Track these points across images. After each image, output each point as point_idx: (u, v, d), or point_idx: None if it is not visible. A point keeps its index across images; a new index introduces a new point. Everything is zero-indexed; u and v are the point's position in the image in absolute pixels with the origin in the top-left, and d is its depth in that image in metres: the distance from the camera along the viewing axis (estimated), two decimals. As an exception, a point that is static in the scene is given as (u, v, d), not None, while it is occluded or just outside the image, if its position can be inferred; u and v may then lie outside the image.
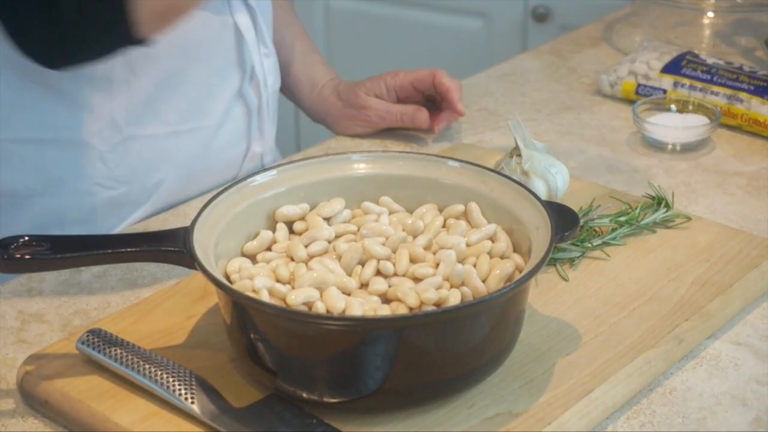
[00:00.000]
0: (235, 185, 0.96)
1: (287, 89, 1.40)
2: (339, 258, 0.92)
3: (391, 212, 0.98)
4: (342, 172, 1.00)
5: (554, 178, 1.11)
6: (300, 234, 0.95)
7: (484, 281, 0.89)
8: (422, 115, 1.33)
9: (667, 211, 1.12)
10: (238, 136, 1.26)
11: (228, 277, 0.90)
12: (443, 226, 0.96)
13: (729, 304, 1.00)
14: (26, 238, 0.88)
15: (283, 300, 0.86)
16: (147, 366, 0.88)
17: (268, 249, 0.95)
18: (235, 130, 1.25)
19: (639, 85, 1.44)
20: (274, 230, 0.96)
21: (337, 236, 0.95)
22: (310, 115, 1.41)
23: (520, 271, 0.90)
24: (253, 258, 0.94)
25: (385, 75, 1.35)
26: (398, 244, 0.92)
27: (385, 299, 0.88)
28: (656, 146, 1.34)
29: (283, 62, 1.36)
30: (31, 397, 0.91)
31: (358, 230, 0.95)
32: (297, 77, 1.40)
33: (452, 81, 1.33)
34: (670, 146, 1.33)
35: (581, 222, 1.07)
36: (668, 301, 0.99)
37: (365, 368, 0.84)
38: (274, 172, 0.98)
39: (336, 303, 0.85)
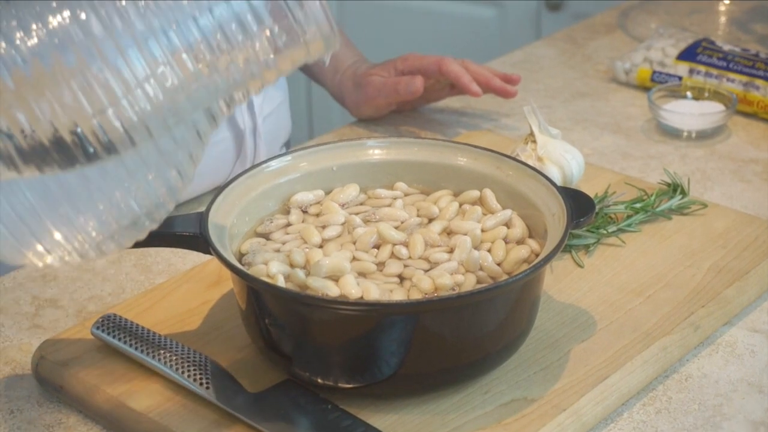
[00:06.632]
0: (250, 171, 0.95)
1: (312, 74, 1.40)
2: (354, 242, 0.91)
3: (406, 195, 0.98)
4: (357, 158, 0.99)
5: (569, 164, 1.11)
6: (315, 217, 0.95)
7: (499, 266, 0.89)
8: (415, 81, 1.29)
9: (682, 197, 1.11)
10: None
11: (241, 258, 0.90)
12: (458, 212, 0.96)
13: (745, 291, 1.00)
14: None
15: (299, 285, 0.85)
16: (162, 351, 0.88)
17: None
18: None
19: (654, 72, 1.43)
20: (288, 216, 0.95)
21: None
22: (333, 97, 1.41)
23: (536, 257, 0.89)
24: (266, 236, 0.93)
25: (396, 60, 1.33)
26: (413, 229, 0.92)
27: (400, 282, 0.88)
28: (672, 133, 1.33)
29: None
30: (46, 383, 0.91)
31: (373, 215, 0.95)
32: (319, 63, 1.38)
33: (459, 66, 1.30)
34: (685, 133, 1.32)
35: (597, 208, 1.06)
36: (684, 287, 0.99)
37: (380, 354, 0.83)
38: (288, 157, 0.98)
39: (351, 289, 0.85)
